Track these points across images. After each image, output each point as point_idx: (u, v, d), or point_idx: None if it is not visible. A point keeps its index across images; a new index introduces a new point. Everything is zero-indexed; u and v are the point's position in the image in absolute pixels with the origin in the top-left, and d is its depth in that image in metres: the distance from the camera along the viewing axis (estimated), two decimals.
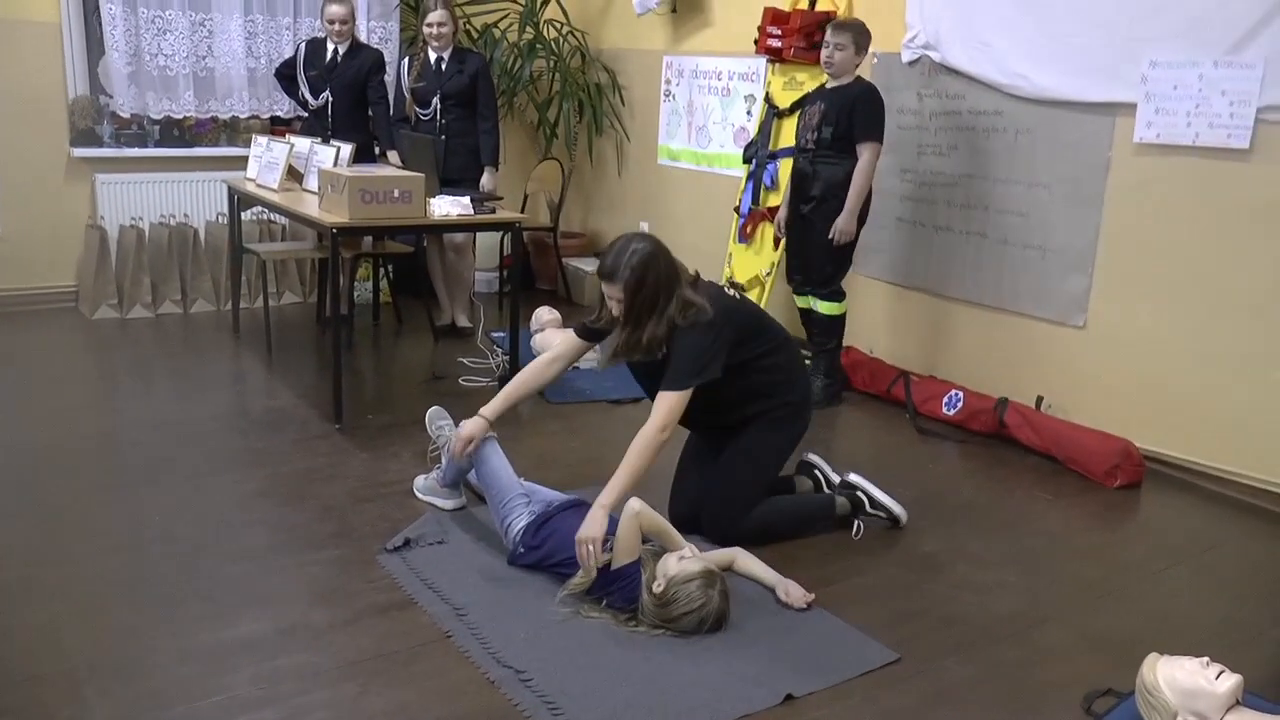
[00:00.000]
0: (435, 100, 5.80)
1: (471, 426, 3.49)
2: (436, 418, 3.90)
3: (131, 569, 3.18)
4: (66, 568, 3.17)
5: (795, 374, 3.66)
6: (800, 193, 5.01)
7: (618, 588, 3.00)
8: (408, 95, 5.88)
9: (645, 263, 3.23)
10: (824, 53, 4.83)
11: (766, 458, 3.62)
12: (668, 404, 3.23)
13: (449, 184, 5.48)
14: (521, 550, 3.25)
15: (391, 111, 6.01)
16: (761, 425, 3.54)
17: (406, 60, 5.95)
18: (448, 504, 3.71)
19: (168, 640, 2.79)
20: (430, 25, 5.73)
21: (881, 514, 3.74)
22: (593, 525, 3.03)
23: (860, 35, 4.78)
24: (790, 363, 3.63)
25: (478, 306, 6.53)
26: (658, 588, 2.92)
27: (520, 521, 3.31)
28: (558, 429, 4.57)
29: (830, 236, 4.82)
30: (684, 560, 2.98)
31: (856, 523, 3.71)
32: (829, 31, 4.82)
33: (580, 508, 3.20)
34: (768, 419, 3.54)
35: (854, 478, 3.78)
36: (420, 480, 3.82)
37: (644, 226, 7.11)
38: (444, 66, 5.81)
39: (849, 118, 4.75)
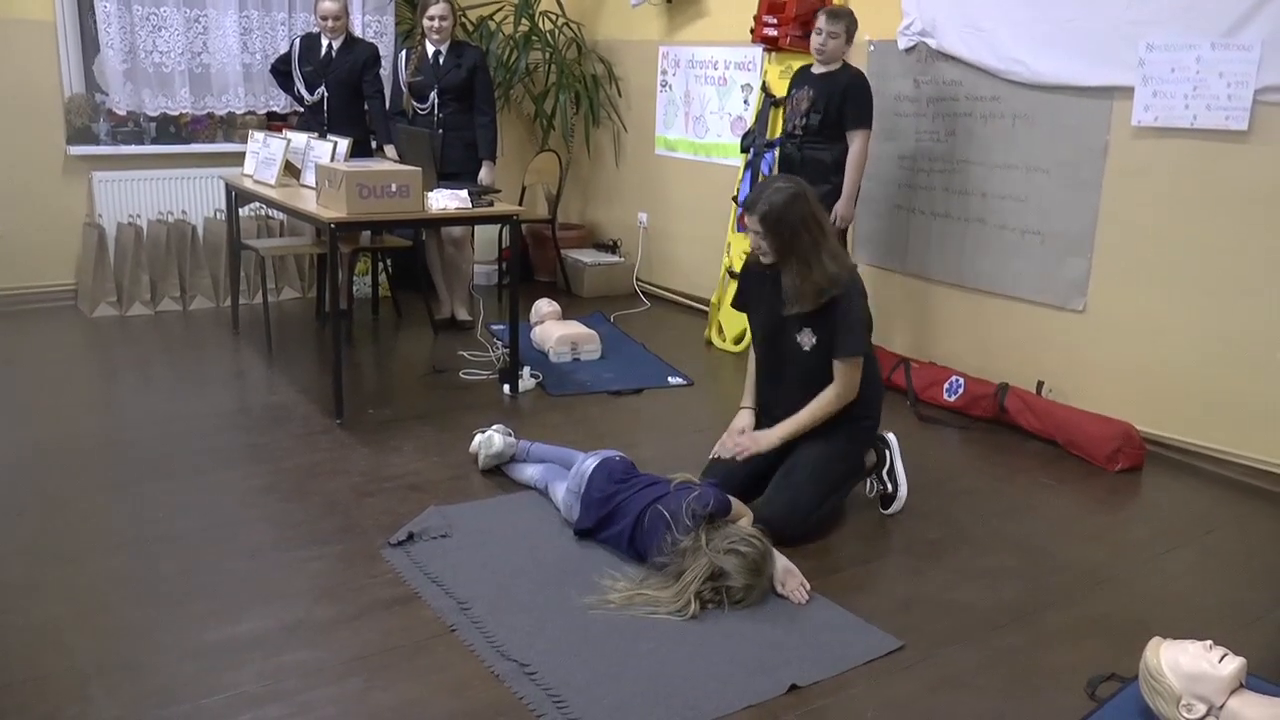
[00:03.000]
0: (433, 94, 5.78)
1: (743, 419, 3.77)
2: (498, 451, 3.98)
3: (134, 566, 3.19)
4: (69, 566, 3.18)
5: (879, 393, 3.72)
6: None
7: (712, 492, 3.19)
8: (405, 89, 5.86)
9: (788, 200, 3.38)
10: (816, 40, 4.85)
11: (836, 464, 3.61)
12: (850, 374, 3.51)
13: (447, 178, 5.45)
14: (601, 482, 3.41)
15: (388, 105, 5.99)
16: (839, 439, 3.57)
17: (404, 53, 5.93)
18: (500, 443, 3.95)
19: (172, 637, 2.79)
20: (431, 18, 5.70)
21: (888, 485, 3.76)
22: (759, 440, 3.54)
23: (852, 24, 4.86)
24: (877, 380, 3.70)
25: (477, 299, 6.54)
26: (733, 518, 3.19)
27: (592, 461, 3.48)
28: (559, 420, 4.57)
29: (832, 220, 4.81)
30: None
31: (870, 479, 3.80)
32: (824, 19, 4.83)
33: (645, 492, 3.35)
34: (846, 433, 3.58)
35: (890, 438, 3.82)
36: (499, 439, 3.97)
37: (642, 217, 7.12)
38: (441, 60, 5.79)
39: (840, 106, 4.80)
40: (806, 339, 3.53)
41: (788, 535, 3.39)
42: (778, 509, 3.44)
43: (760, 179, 5.67)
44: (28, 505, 3.60)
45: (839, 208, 4.85)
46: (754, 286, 3.70)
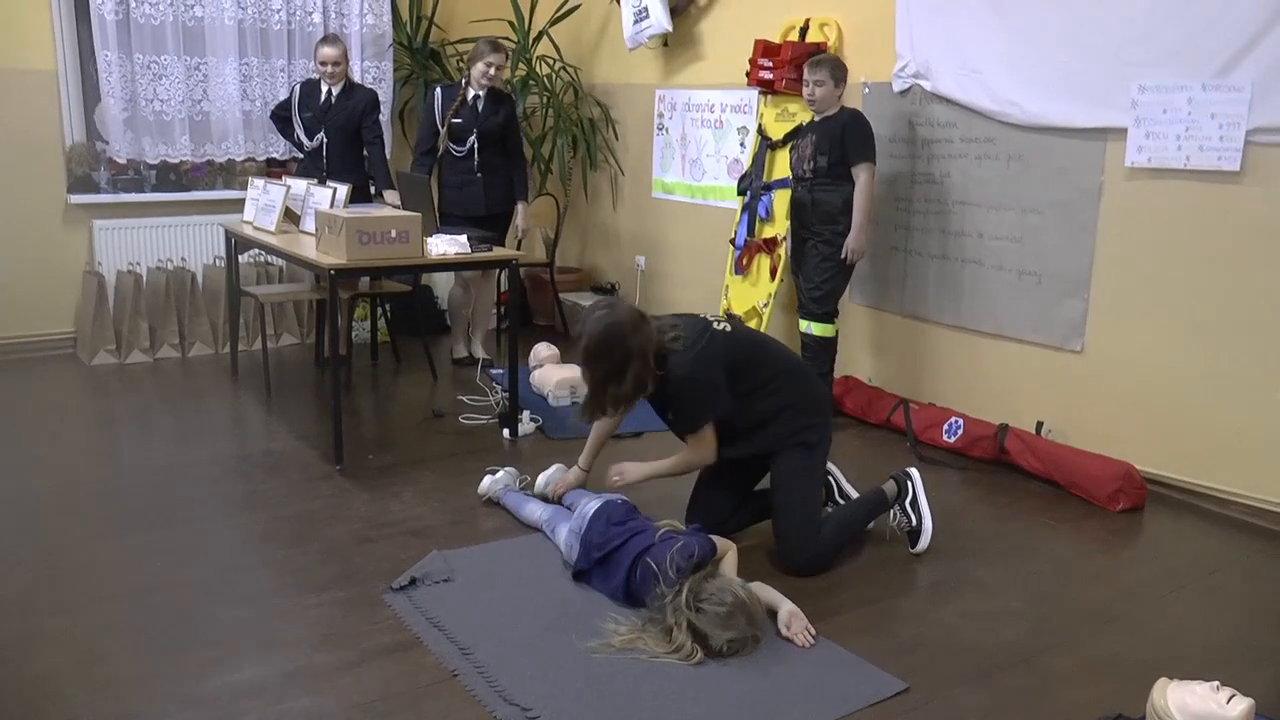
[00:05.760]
0: (472, 139, 5.89)
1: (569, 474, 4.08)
2: (501, 486, 4.14)
3: (133, 616, 3.17)
4: (68, 616, 3.15)
5: (808, 394, 3.71)
6: (799, 220, 5.17)
7: (695, 541, 3.19)
8: (442, 129, 5.93)
9: (597, 334, 3.43)
10: (805, 90, 5.03)
11: (812, 479, 3.70)
12: (694, 444, 3.63)
13: (494, 218, 5.98)
14: (601, 526, 3.44)
15: (418, 143, 6.08)
16: (794, 451, 3.61)
17: (439, 92, 6.00)
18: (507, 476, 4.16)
19: (171, 687, 2.77)
20: (490, 65, 5.84)
21: (911, 518, 3.78)
22: (627, 472, 3.72)
23: (836, 69, 4.98)
24: (798, 385, 3.69)
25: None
26: (712, 571, 3.15)
27: (594, 504, 3.53)
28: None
29: (843, 256, 4.99)
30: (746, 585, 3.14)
31: (894, 510, 3.82)
32: (807, 70, 5.00)
33: (640, 537, 3.34)
34: (797, 443, 3.62)
35: (913, 471, 3.86)
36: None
37: (640, 260, 7.14)
38: (480, 106, 5.90)
39: (841, 144, 4.92)
40: (670, 417, 3.68)
41: (812, 569, 3.55)
42: (790, 552, 3.56)
43: (757, 222, 5.72)
44: (25, 555, 3.58)
45: (850, 241, 4.95)
46: None
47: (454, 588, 3.36)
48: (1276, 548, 3.93)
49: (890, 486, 3.83)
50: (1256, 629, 3.31)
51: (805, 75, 5.00)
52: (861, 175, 4.92)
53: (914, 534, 3.78)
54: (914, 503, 3.80)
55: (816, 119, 5.06)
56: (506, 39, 7.06)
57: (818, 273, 5.08)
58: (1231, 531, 4.08)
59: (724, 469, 3.77)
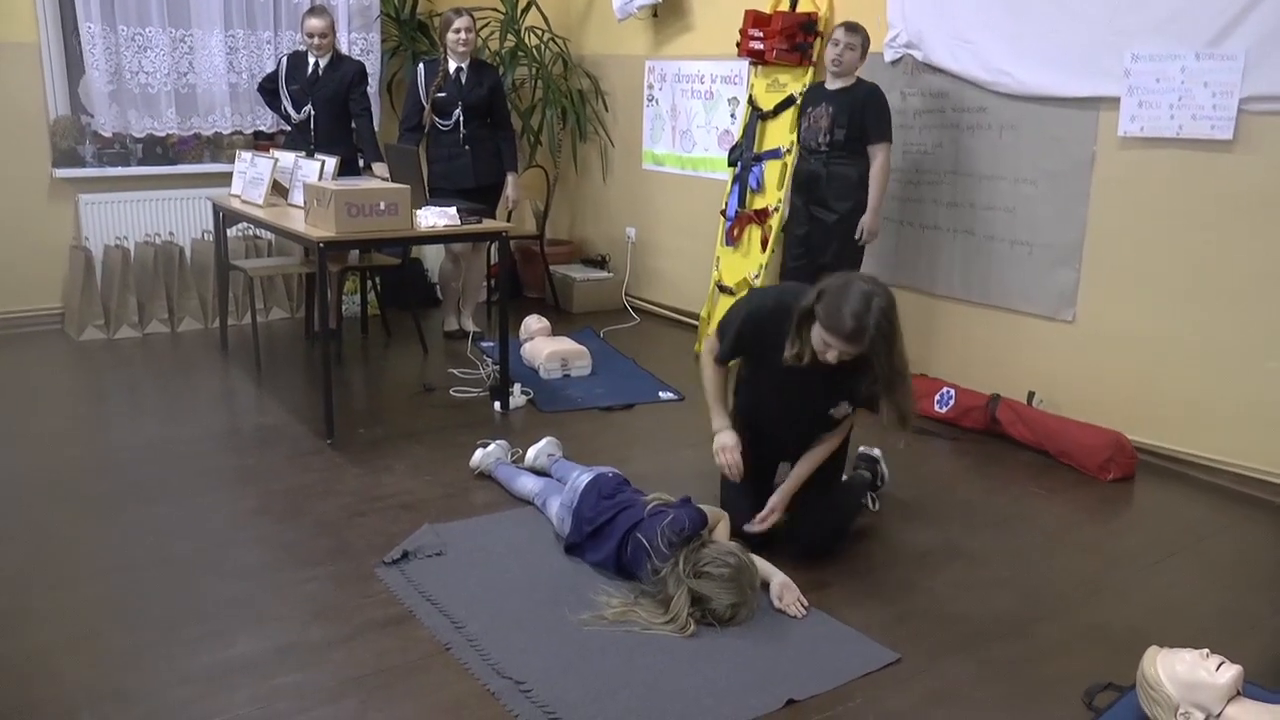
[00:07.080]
0: (457, 112, 5.86)
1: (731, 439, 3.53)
2: (493, 459, 4.13)
3: (125, 591, 3.16)
4: (59, 592, 3.15)
5: None
6: (810, 193, 5.02)
7: (685, 514, 3.16)
8: (427, 105, 5.89)
9: (891, 318, 3.00)
10: (833, 51, 4.84)
11: (840, 479, 3.72)
12: (846, 429, 3.54)
13: (483, 190, 5.93)
14: (592, 499, 3.42)
15: (403, 120, 6.05)
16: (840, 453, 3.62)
17: (422, 67, 5.95)
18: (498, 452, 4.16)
19: (164, 662, 2.77)
20: (458, 31, 5.78)
21: (879, 487, 3.97)
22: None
23: (867, 39, 4.87)
24: None
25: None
26: (705, 540, 3.13)
27: (585, 477, 3.51)
28: (551, 437, 4.55)
29: (857, 236, 4.92)
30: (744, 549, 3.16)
31: (872, 496, 3.89)
32: (841, 32, 4.83)
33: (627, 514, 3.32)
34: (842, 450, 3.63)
35: (877, 452, 3.95)
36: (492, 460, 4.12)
37: (630, 232, 7.12)
38: (463, 79, 5.86)
39: (861, 120, 4.82)
40: (841, 410, 3.39)
41: (832, 551, 3.51)
42: (819, 534, 3.50)
43: (748, 193, 5.69)
44: (16, 531, 3.57)
45: (865, 222, 4.88)
46: (755, 347, 3.43)
47: (446, 561, 3.37)
48: (1265, 516, 3.95)
49: (866, 475, 3.92)
50: (1245, 597, 3.33)
51: (838, 36, 4.82)
52: (879, 155, 4.84)
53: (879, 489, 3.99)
54: (882, 478, 3.98)
55: (832, 88, 4.91)
56: (494, 10, 7.02)
57: (834, 250, 4.92)
58: (1221, 500, 4.10)
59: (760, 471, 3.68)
